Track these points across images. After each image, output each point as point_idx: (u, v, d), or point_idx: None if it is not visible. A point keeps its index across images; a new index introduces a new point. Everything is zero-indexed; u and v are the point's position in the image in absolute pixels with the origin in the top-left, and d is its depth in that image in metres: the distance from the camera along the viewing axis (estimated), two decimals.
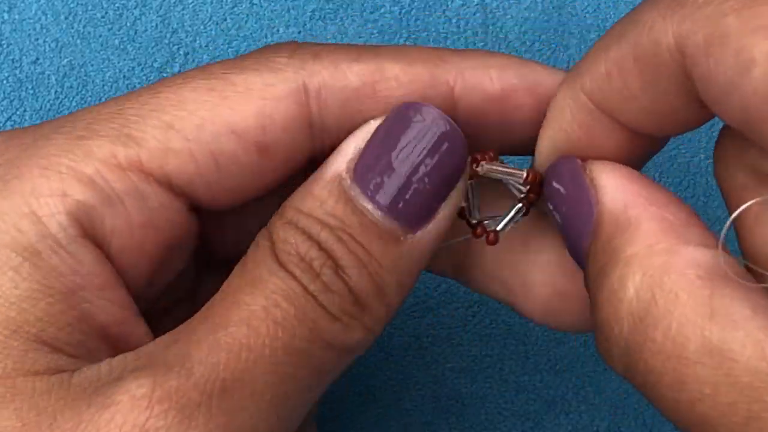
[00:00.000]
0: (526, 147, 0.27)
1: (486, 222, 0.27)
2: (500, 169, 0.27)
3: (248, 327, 0.24)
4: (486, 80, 0.26)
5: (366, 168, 0.25)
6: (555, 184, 0.26)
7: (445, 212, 0.26)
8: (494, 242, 0.27)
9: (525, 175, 0.27)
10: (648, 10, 0.23)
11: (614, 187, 0.24)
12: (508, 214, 0.27)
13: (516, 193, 0.27)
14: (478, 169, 0.27)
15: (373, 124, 0.26)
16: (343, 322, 0.25)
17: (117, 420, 0.23)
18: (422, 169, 0.25)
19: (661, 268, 0.23)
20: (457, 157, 0.26)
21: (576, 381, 0.37)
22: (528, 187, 0.27)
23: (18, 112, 0.37)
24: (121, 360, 0.24)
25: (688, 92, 0.23)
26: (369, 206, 0.25)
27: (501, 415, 0.37)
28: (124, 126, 0.26)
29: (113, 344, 0.25)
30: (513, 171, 0.27)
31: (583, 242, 0.25)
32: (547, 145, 0.26)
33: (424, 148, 0.25)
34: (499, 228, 0.27)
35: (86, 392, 0.23)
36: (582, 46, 0.37)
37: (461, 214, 0.27)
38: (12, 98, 0.37)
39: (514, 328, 0.37)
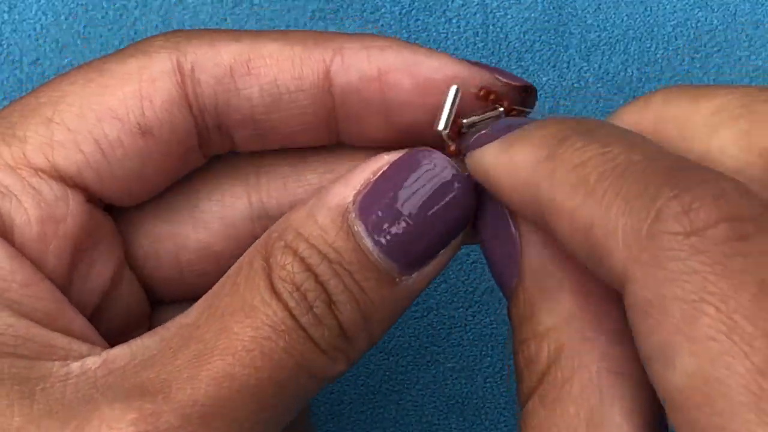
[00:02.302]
0: (405, 129, 0.27)
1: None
2: (478, 117, 0.27)
3: (234, 357, 0.24)
4: (363, 60, 0.26)
5: (372, 205, 0.25)
6: (484, 214, 0.26)
7: (442, 257, 0.26)
8: (455, 154, 0.26)
9: (502, 109, 0.27)
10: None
11: (538, 240, 0.24)
12: (481, 115, 0.27)
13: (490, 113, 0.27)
14: (461, 129, 0.26)
15: (385, 159, 0.26)
16: (329, 356, 0.25)
17: None
18: (427, 216, 0.25)
19: (571, 352, 0.23)
20: (462, 206, 0.25)
21: None
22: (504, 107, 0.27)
23: None
24: (86, 373, 0.24)
25: None
26: (370, 245, 0.25)
27: (501, 415, 0.37)
28: (8, 128, 0.26)
29: (58, 332, 0.25)
30: (491, 112, 0.27)
31: (508, 281, 0.25)
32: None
33: (432, 195, 0.25)
34: (467, 121, 0.27)
35: (54, 411, 0.23)
36: (582, 46, 0.37)
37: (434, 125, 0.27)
38: (12, 98, 0.37)
39: None
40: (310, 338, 0.25)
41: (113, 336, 0.28)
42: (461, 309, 0.37)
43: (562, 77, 0.38)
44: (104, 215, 0.27)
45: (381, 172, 0.25)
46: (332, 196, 0.25)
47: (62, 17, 0.37)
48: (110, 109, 0.26)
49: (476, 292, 0.37)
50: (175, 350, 0.24)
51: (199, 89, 0.27)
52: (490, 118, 0.27)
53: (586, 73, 0.38)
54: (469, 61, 0.27)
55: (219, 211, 0.29)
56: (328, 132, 0.28)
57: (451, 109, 0.26)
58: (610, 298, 0.23)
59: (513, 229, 0.25)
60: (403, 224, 0.25)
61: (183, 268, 0.29)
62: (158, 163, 0.27)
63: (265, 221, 0.29)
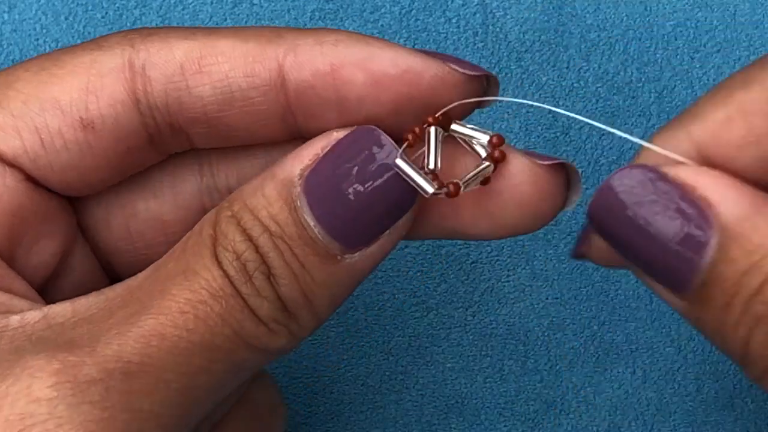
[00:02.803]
0: (362, 122, 0.27)
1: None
2: (467, 130, 0.26)
3: (166, 317, 0.24)
4: (317, 56, 0.26)
5: (316, 180, 0.25)
6: (624, 200, 0.24)
7: (389, 238, 0.26)
8: (455, 194, 0.26)
9: (488, 137, 0.26)
10: None
11: (733, 203, 0.23)
12: (472, 171, 0.26)
13: (480, 151, 0.27)
14: (453, 126, 0.26)
15: (334, 135, 0.26)
16: (268, 327, 0.25)
17: (11, 390, 0.23)
18: (369, 195, 0.25)
19: None
20: (407, 191, 0.25)
21: (576, 381, 0.37)
22: (489, 140, 0.26)
23: None
24: (23, 327, 0.24)
25: None
26: (311, 222, 0.25)
27: (501, 415, 0.37)
28: None
29: (1, 291, 0.25)
30: (479, 132, 0.26)
31: (696, 263, 0.23)
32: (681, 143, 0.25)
33: (376, 176, 0.25)
34: (462, 181, 0.26)
35: None
36: (582, 46, 0.37)
37: (422, 166, 0.26)
38: None
39: (514, 328, 0.37)
40: (248, 307, 0.25)
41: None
42: (461, 309, 0.37)
43: (562, 77, 0.38)
44: (48, 193, 0.27)
45: (329, 147, 0.25)
46: (280, 170, 0.25)
47: (62, 17, 0.37)
48: (55, 99, 0.26)
49: (476, 292, 0.37)
50: (113, 309, 0.24)
51: (149, 87, 0.26)
52: (481, 171, 0.26)
53: (585, 73, 0.38)
54: (423, 52, 0.27)
55: (170, 181, 0.29)
56: (286, 127, 0.27)
57: (436, 148, 0.26)
58: None
59: (692, 196, 0.23)
60: (347, 203, 0.25)
61: (134, 239, 0.29)
62: (100, 158, 0.27)
63: (214, 194, 0.29)
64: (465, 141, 0.27)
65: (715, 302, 0.23)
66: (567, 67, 0.37)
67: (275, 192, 0.25)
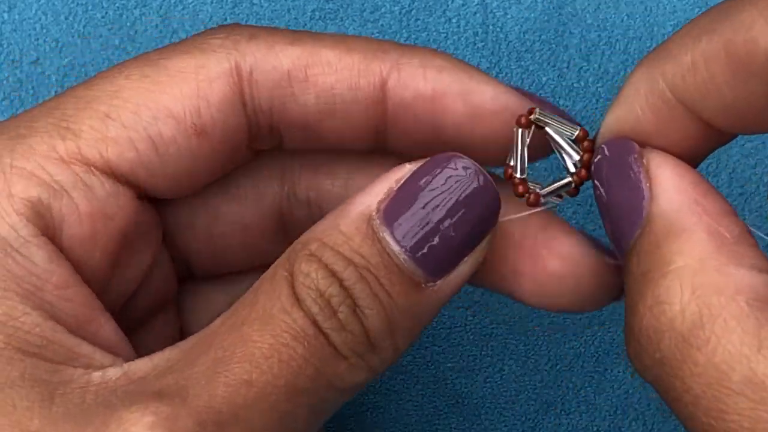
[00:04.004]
0: (453, 147, 0.27)
1: (531, 184, 0.27)
2: (553, 118, 0.27)
3: (251, 363, 0.24)
4: (420, 78, 0.26)
5: (396, 211, 0.25)
6: (607, 162, 0.25)
7: (468, 264, 0.26)
8: (534, 204, 0.26)
9: (577, 131, 0.26)
10: (747, 7, 0.23)
11: (672, 188, 0.24)
12: (555, 184, 0.27)
13: (569, 166, 0.27)
14: (532, 116, 0.26)
15: (407, 167, 0.26)
16: (350, 362, 0.25)
17: None
18: (452, 220, 0.25)
19: (711, 289, 0.22)
20: (488, 211, 0.25)
21: (576, 381, 0.37)
22: (580, 158, 0.26)
23: (18, 112, 0.37)
24: (106, 383, 0.24)
25: None
26: (396, 249, 0.25)
27: (501, 415, 0.37)
28: (62, 120, 0.26)
29: (84, 340, 0.25)
30: (566, 123, 0.27)
31: (628, 234, 0.25)
32: (612, 123, 0.26)
33: (456, 199, 0.25)
34: (543, 192, 0.27)
35: (72, 415, 0.23)
36: (582, 46, 0.37)
37: (506, 170, 0.27)
38: (12, 98, 0.37)
39: (514, 328, 0.37)
40: (331, 344, 0.24)
41: (138, 313, 0.28)
42: (461, 309, 0.37)
43: (561, 77, 0.38)
44: (149, 205, 0.27)
45: (404, 179, 0.25)
46: (355, 206, 0.25)
47: (62, 17, 0.37)
48: (166, 107, 0.26)
49: (476, 292, 0.37)
50: (194, 357, 0.24)
51: (255, 92, 0.26)
52: (563, 187, 0.27)
53: (585, 72, 0.38)
54: (519, 91, 0.27)
55: (253, 185, 0.29)
56: (376, 140, 0.28)
57: (523, 153, 0.27)
58: (742, 240, 0.23)
59: (641, 177, 0.24)
60: (427, 229, 0.25)
61: (215, 241, 0.29)
62: (209, 162, 0.27)
63: (293, 202, 0.29)
64: (552, 139, 0.27)
65: (634, 270, 0.24)
66: (567, 67, 0.37)
67: (353, 227, 0.25)
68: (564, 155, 0.27)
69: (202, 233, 0.29)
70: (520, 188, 0.27)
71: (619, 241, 0.25)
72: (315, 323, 0.24)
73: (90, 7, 0.37)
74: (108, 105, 0.26)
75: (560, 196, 0.27)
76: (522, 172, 0.27)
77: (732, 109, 0.24)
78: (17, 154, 0.25)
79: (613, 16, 0.38)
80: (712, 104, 0.24)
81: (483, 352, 0.37)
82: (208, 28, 0.28)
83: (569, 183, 0.27)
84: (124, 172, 0.26)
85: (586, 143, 0.26)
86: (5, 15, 0.37)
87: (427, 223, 0.25)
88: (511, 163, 0.27)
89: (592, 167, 0.26)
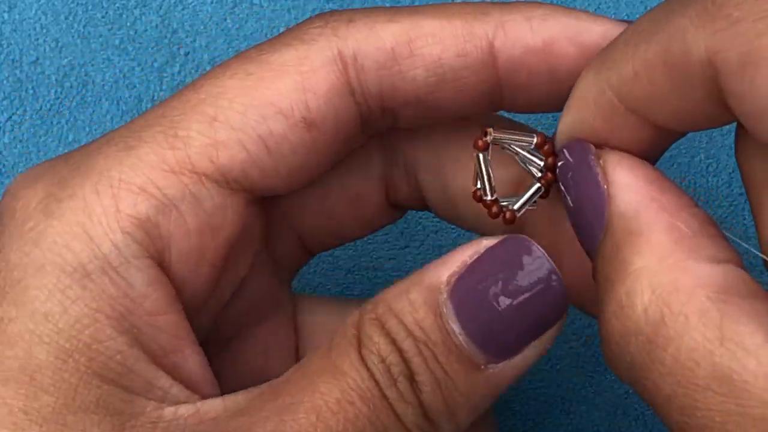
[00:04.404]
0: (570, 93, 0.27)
1: (503, 203, 0.27)
2: (509, 135, 0.26)
3: (318, 417, 0.24)
4: (527, 32, 0.26)
5: (464, 288, 0.25)
6: (568, 166, 0.25)
7: (533, 350, 0.25)
8: (511, 221, 0.26)
9: (534, 139, 0.26)
10: (679, 14, 0.23)
11: (627, 187, 0.24)
12: (525, 194, 0.27)
13: (535, 172, 0.27)
14: (488, 138, 0.26)
15: (483, 243, 0.25)
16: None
17: None
18: (519, 308, 0.25)
19: (670, 287, 0.22)
20: (555, 302, 0.25)
21: (576, 381, 0.37)
22: (544, 163, 0.26)
23: (18, 112, 0.37)
24: (177, 420, 0.24)
25: (718, 99, 0.22)
26: (457, 329, 0.24)
27: (501, 415, 0.37)
28: (170, 128, 0.25)
29: (166, 373, 0.25)
30: (522, 136, 0.26)
31: (593, 239, 0.24)
32: (566, 129, 0.26)
33: (526, 288, 0.25)
34: (516, 207, 0.26)
35: None
36: None
37: (474, 193, 0.27)
38: (12, 98, 0.37)
39: None
40: (395, 412, 0.24)
41: (244, 316, 0.28)
42: None
43: None
44: (257, 207, 0.27)
45: (477, 256, 0.25)
46: (427, 276, 0.25)
47: (62, 17, 0.37)
48: (273, 104, 0.25)
49: None
50: (263, 402, 0.24)
51: (362, 76, 0.26)
52: (534, 195, 0.27)
53: None
54: (627, 23, 0.26)
55: (359, 156, 0.29)
56: (491, 102, 0.27)
57: (489, 174, 0.27)
58: (701, 232, 0.23)
59: (600, 179, 0.24)
60: (494, 313, 0.24)
61: (327, 214, 0.29)
62: (323, 154, 0.26)
63: (393, 169, 0.29)
64: (511, 151, 0.27)
65: (599, 275, 0.24)
66: None
67: (421, 297, 0.25)
68: (527, 164, 0.27)
69: (315, 207, 0.29)
70: (494, 209, 0.26)
71: (588, 247, 0.25)
72: (380, 387, 0.24)
73: (90, 7, 0.37)
74: (215, 107, 0.25)
75: (534, 203, 0.27)
76: (491, 194, 0.26)
77: (677, 112, 0.24)
78: (125, 167, 0.25)
79: (612, 16, 0.38)
80: (657, 109, 0.24)
81: None
82: (276, 25, 0.28)
83: (539, 189, 0.27)
84: (236, 176, 0.25)
85: (547, 147, 0.26)
86: (5, 15, 0.37)
87: (492, 306, 0.24)
88: (478, 186, 0.27)
89: (557, 171, 0.26)
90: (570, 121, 0.26)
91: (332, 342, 0.25)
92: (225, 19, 0.37)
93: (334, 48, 0.26)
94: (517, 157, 0.27)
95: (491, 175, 0.27)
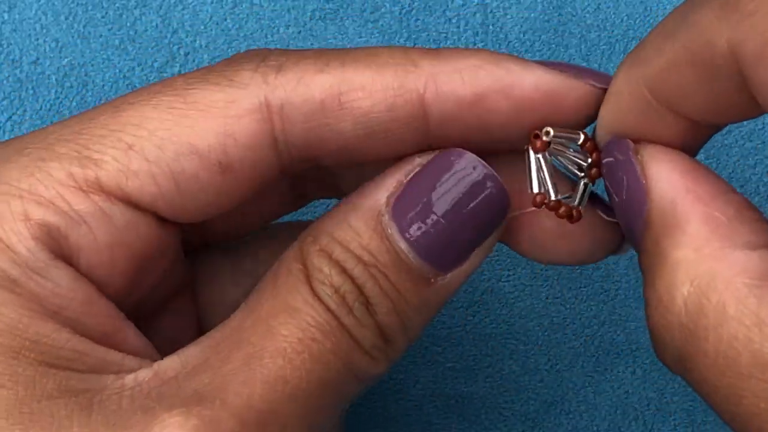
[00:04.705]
0: (499, 145, 0.27)
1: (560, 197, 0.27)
2: (564, 133, 0.26)
3: (284, 359, 0.24)
4: (458, 85, 0.26)
5: (405, 206, 0.25)
6: (610, 166, 0.26)
7: (477, 256, 0.26)
8: (579, 219, 0.26)
9: (581, 137, 0.26)
10: (700, 8, 0.23)
11: (664, 180, 0.24)
12: (578, 192, 0.27)
13: (576, 171, 0.27)
14: (545, 138, 0.26)
15: (417, 161, 0.26)
16: (371, 356, 0.25)
17: None
18: (460, 216, 0.25)
19: (707, 277, 0.22)
20: (496, 205, 0.25)
21: (576, 381, 0.37)
22: (588, 162, 0.26)
23: (18, 112, 0.37)
24: (140, 385, 0.24)
25: (745, 91, 0.23)
26: (404, 246, 0.25)
27: (501, 415, 0.37)
28: (85, 147, 0.25)
29: (112, 349, 0.25)
30: (571, 134, 0.26)
31: (637, 233, 0.25)
32: (606, 125, 0.26)
33: (466, 196, 0.25)
34: (581, 206, 0.26)
35: (112, 422, 0.23)
36: (582, 46, 0.37)
37: (534, 199, 0.26)
38: (12, 98, 0.37)
39: (514, 328, 0.37)
40: (354, 339, 0.25)
41: (154, 307, 0.28)
42: (461, 309, 0.37)
43: None
44: (170, 224, 0.27)
45: (413, 173, 0.25)
46: (364, 199, 0.25)
47: (62, 17, 0.37)
48: (191, 143, 0.25)
49: (476, 292, 0.37)
50: (224, 355, 0.24)
51: (288, 127, 0.26)
52: (585, 192, 0.27)
53: None
54: (560, 67, 0.26)
55: None
56: (420, 150, 0.27)
57: (551, 174, 0.26)
58: (737, 219, 0.23)
59: (639, 174, 0.24)
60: (437, 225, 0.25)
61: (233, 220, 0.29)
62: (235, 195, 0.26)
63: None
64: (558, 151, 0.27)
65: (643, 268, 0.25)
66: None
67: (362, 222, 0.25)
68: (568, 163, 0.27)
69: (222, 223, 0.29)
70: (561, 210, 0.26)
71: (635, 243, 0.25)
72: (336, 318, 0.25)
73: (90, 7, 0.37)
74: (132, 136, 0.25)
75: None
76: (556, 194, 0.26)
77: (707, 105, 0.24)
78: (35, 179, 0.25)
79: (613, 16, 0.38)
80: (688, 103, 0.24)
81: (483, 352, 0.37)
82: (237, 53, 0.27)
83: (586, 186, 0.27)
84: (144, 205, 0.25)
85: (589, 144, 0.26)
86: (5, 15, 0.37)
87: (436, 220, 0.25)
88: (536, 189, 0.26)
89: (602, 168, 0.26)
90: (608, 118, 0.26)
91: (277, 280, 0.25)
92: (225, 19, 0.37)
93: (262, 96, 0.25)
94: (558, 158, 0.27)
95: (552, 174, 0.26)
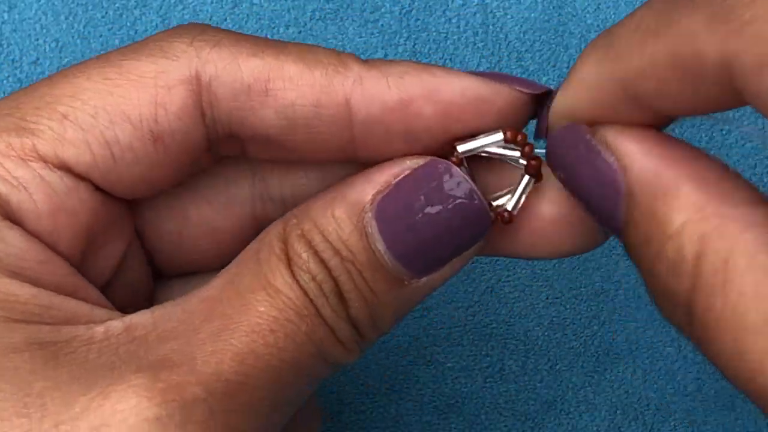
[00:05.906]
0: (426, 151, 0.27)
1: (496, 203, 0.27)
2: (476, 142, 0.26)
3: (258, 335, 0.24)
4: (384, 89, 0.26)
5: (388, 208, 0.25)
6: (562, 154, 0.25)
7: (455, 265, 0.26)
8: (510, 221, 0.26)
9: (503, 135, 0.26)
10: (687, 14, 0.22)
11: (640, 152, 0.24)
12: (516, 189, 0.27)
13: (517, 165, 0.27)
14: (457, 154, 0.26)
15: (407, 164, 0.26)
16: (345, 346, 0.26)
17: (118, 408, 0.22)
18: (440, 228, 0.25)
19: (716, 234, 0.22)
20: (476, 222, 0.26)
21: (576, 381, 0.37)
22: (520, 152, 0.26)
23: None
24: (109, 339, 0.24)
25: (731, 93, 0.22)
26: (381, 247, 0.25)
27: (501, 415, 0.37)
28: (22, 119, 0.26)
29: (82, 302, 0.25)
30: (488, 136, 0.26)
31: (613, 212, 0.24)
32: (562, 111, 0.26)
33: (448, 207, 0.25)
34: (510, 207, 0.26)
35: (76, 376, 0.23)
36: (582, 46, 0.37)
37: (502, 216, 0.27)
38: None
39: (514, 328, 0.37)
40: (329, 327, 0.25)
41: (122, 310, 0.28)
42: (461, 309, 0.37)
43: (562, 77, 0.37)
44: (116, 200, 0.27)
45: (402, 176, 0.26)
46: (351, 191, 0.26)
47: (62, 17, 0.37)
48: (124, 112, 0.26)
49: (476, 292, 0.37)
50: (197, 323, 0.24)
51: (215, 101, 0.26)
52: (526, 188, 0.27)
53: None
54: (488, 76, 0.26)
55: (223, 188, 0.29)
56: (345, 153, 0.27)
57: (521, 195, 0.27)
58: (726, 178, 0.23)
59: (605, 155, 0.24)
60: (417, 233, 0.25)
61: (185, 244, 0.29)
62: (167, 168, 0.27)
63: (267, 202, 0.29)
64: (487, 153, 0.27)
65: (636, 241, 0.24)
66: (567, 67, 0.37)
67: (345, 215, 0.25)
68: (507, 159, 0.27)
69: (172, 235, 0.29)
70: (507, 217, 0.27)
71: (607, 221, 0.25)
72: (314, 305, 0.25)
73: (90, 7, 0.37)
74: (67, 106, 0.26)
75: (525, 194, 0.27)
76: (514, 209, 0.27)
77: (687, 105, 0.24)
78: None
79: (613, 16, 0.38)
80: (667, 102, 0.24)
81: (483, 352, 0.37)
82: (177, 25, 0.28)
83: (530, 180, 0.27)
84: (80, 171, 0.26)
85: (520, 138, 0.26)
86: (5, 15, 0.37)
87: (417, 229, 0.25)
88: (505, 205, 0.27)
89: (548, 157, 0.26)
90: (568, 105, 0.26)
91: (259, 255, 0.25)
92: (225, 19, 0.37)
93: (193, 69, 0.26)
94: (495, 158, 0.27)
95: (478, 181, 0.27)
